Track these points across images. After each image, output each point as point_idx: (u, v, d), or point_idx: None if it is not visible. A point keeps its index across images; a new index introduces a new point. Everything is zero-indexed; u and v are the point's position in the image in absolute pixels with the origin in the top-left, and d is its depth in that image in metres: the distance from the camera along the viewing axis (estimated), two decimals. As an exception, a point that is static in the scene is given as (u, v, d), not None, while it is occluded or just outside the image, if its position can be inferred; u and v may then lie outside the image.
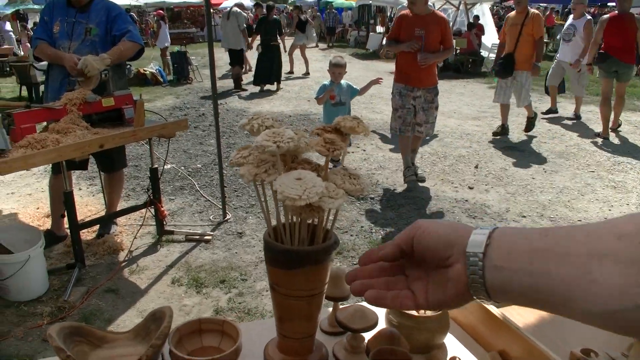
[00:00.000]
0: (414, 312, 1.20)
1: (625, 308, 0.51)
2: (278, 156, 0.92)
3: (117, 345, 1.15)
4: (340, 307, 1.27)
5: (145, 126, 3.73)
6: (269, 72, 11.48)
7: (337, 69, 5.46)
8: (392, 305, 0.68)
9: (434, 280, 0.65)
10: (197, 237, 4.35)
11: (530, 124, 7.81)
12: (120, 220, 4.58)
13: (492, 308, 1.23)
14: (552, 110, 9.10)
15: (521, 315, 1.41)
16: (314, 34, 17.34)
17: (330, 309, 1.32)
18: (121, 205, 4.66)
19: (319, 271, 0.99)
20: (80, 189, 5.49)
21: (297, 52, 14.34)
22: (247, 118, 0.99)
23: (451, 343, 1.26)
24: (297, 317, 1.04)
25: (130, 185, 5.59)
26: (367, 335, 1.19)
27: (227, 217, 4.74)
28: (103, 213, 4.61)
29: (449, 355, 1.19)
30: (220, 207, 4.79)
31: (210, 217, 4.80)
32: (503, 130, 7.68)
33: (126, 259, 4.05)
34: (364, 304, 1.19)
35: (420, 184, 5.63)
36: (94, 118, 3.70)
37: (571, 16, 8.52)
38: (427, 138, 6.84)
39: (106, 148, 3.49)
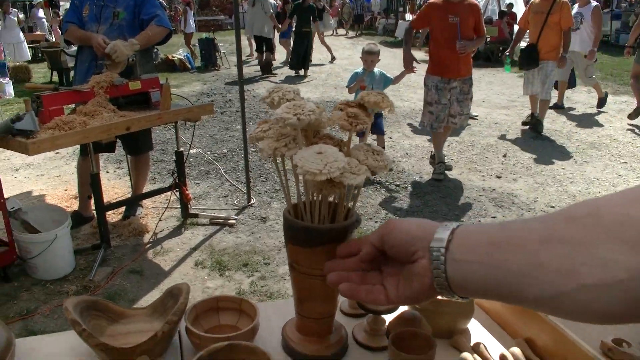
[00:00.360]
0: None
1: (572, 289, 0.51)
2: (299, 130, 0.89)
3: (134, 321, 1.14)
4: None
5: (171, 109, 3.74)
6: (303, 57, 11.52)
7: (369, 56, 5.22)
8: (365, 299, 0.72)
9: (404, 276, 0.68)
10: (222, 220, 4.36)
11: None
12: (146, 202, 4.61)
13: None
14: (559, 105, 8.60)
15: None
16: (331, 21, 17.20)
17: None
18: (147, 188, 4.69)
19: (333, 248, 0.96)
20: (107, 172, 5.55)
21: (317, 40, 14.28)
22: (267, 91, 0.96)
23: (475, 329, 1.23)
24: (316, 297, 1.02)
25: (157, 169, 5.63)
26: (388, 318, 1.16)
27: (252, 201, 4.74)
28: (129, 195, 4.66)
29: (473, 341, 1.15)
30: (245, 191, 4.79)
31: (235, 202, 4.80)
32: (533, 119, 7.41)
33: (151, 240, 4.08)
34: None
35: (447, 172, 5.55)
36: (120, 101, 3.73)
37: (576, 4, 7.97)
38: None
39: (132, 131, 3.51)
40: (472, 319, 1.19)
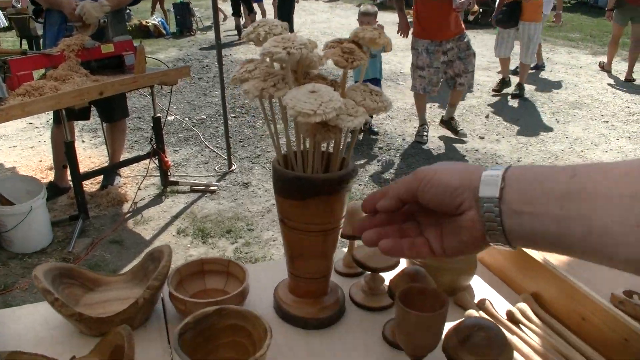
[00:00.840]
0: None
1: None
2: (288, 67, 0.80)
3: (113, 288, 1.05)
4: (357, 245, 1.16)
5: (146, 73, 3.59)
6: (287, 20, 11.25)
7: (366, 17, 4.89)
8: (408, 255, 0.63)
9: (447, 229, 0.60)
10: (203, 187, 4.26)
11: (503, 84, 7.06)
12: (124, 171, 4.48)
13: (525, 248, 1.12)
14: (539, 66, 8.24)
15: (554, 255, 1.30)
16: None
17: (345, 249, 1.21)
18: (125, 156, 4.55)
19: (334, 203, 0.88)
20: (83, 142, 5.38)
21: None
22: (252, 26, 0.85)
23: (478, 285, 1.16)
24: (310, 254, 0.94)
25: (134, 137, 5.47)
26: (387, 276, 1.08)
27: (233, 167, 4.63)
28: (107, 165, 4.51)
29: (477, 298, 1.08)
30: (226, 157, 4.68)
31: (216, 168, 4.69)
32: (504, 84, 7.04)
33: (130, 210, 3.96)
34: None
35: (430, 134, 5.47)
36: (93, 65, 3.56)
37: None
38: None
39: (106, 95, 3.36)
40: (475, 276, 1.12)
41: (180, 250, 3.44)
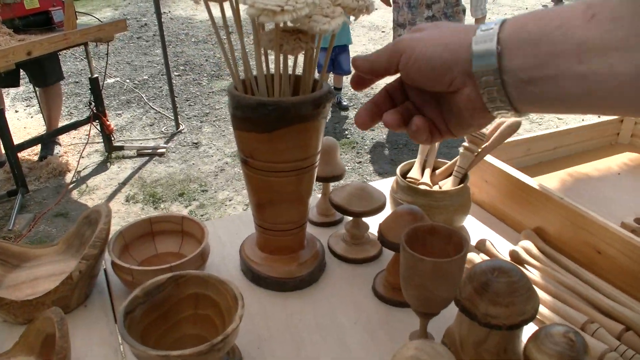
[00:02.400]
0: (427, 188, 0.94)
1: None
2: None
3: (43, 262, 0.86)
4: (332, 188, 1.00)
5: (78, 29, 3.29)
6: None
7: None
8: (416, 134, 0.54)
9: (445, 107, 0.53)
10: (150, 150, 4.01)
11: None
12: (65, 139, 4.18)
13: (521, 176, 0.98)
14: None
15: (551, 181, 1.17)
16: None
17: (319, 196, 1.05)
18: (63, 124, 4.24)
19: (309, 133, 0.71)
20: (16, 112, 5.01)
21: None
22: None
23: (473, 226, 1.02)
24: (281, 200, 0.77)
25: (72, 103, 5.14)
26: (372, 221, 0.93)
27: (181, 127, 4.38)
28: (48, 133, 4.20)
29: (474, 240, 0.94)
30: (172, 118, 4.42)
31: (163, 129, 4.43)
32: None
33: (74, 180, 3.70)
34: (370, 184, 0.92)
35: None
36: (17, 23, 3.26)
37: None
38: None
39: (35, 56, 3.06)
40: (469, 216, 0.97)
41: (131, 218, 3.23)
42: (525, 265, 0.89)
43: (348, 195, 0.86)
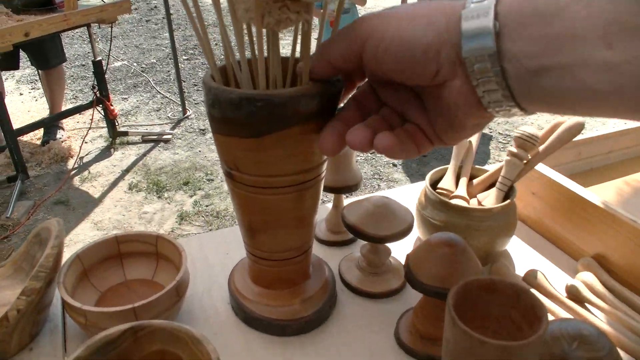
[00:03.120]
0: (469, 205, 0.76)
1: None
2: None
3: (-16, 289, 0.69)
4: (347, 201, 0.82)
5: (79, 9, 3.13)
6: None
7: None
8: (404, 150, 0.42)
9: (431, 106, 0.42)
10: (155, 137, 3.84)
11: None
12: (68, 124, 4.04)
13: (577, 189, 0.79)
14: None
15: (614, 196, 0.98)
16: None
17: (329, 205, 0.86)
18: (67, 108, 4.09)
19: (311, 137, 0.52)
20: (21, 94, 4.87)
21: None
22: None
23: (518, 250, 0.83)
24: (278, 222, 0.58)
25: (78, 87, 4.98)
26: (395, 246, 0.75)
27: (188, 113, 4.21)
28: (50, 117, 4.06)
29: (520, 268, 0.76)
30: (179, 103, 4.25)
31: (169, 115, 4.27)
32: None
33: (76, 166, 3.56)
34: (387, 193, 0.73)
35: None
36: (15, 3, 3.11)
37: None
38: None
39: (34, 37, 2.91)
40: (513, 237, 0.79)
41: (133, 208, 3.09)
42: (587, 304, 0.71)
43: (365, 214, 0.67)
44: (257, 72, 0.50)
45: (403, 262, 0.77)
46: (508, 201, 0.74)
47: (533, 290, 0.71)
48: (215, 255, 0.79)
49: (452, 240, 0.56)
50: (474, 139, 0.85)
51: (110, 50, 4.03)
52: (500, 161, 0.79)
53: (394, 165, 3.48)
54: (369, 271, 0.73)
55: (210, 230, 2.86)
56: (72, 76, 5.18)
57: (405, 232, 0.67)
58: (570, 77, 0.33)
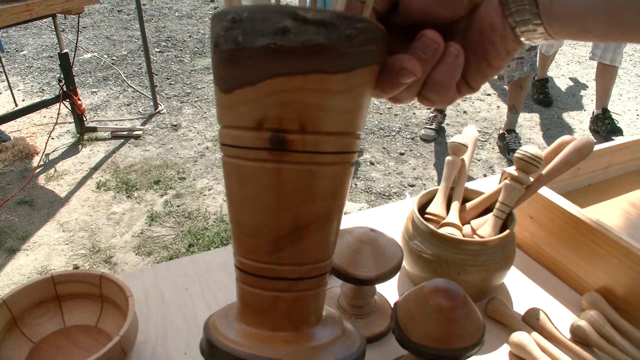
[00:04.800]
0: (462, 233, 0.67)
1: None
2: None
3: None
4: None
5: (43, -1, 2.99)
6: None
7: None
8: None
9: (460, 44, 0.38)
10: (125, 132, 3.70)
11: None
12: (34, 119, 3.88)
13: (580, 214, 0.71)
14: None
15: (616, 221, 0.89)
16: None
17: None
18: (33, 102, 3.94)
19: (362, 87, 0.38)
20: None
21: None
22: None
23: (515, 283, 0.75)
24: (331, 214, 0.40)
25: (45, 79, 4.80)
26: (383, 288, 0.66)
27: (159, 108, 4.07)
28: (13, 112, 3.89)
29: (518, 306, 0.67)
30: (151, 97, 4.11)
31: (140, 110, 4.12)
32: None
33: (41, 163, 3.41)
34: (370, 214, 0.63)
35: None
36: (-27, -9, 2.94)
37: None
38: None
39: (-5, 27, 2.77)
40: (511, 268, 0.70)
41: (101, 208, 2.96)
42: (594, 349, 0.63)
43: (347, 251, 0.58)
44: None
45: (389, 299, 0.68)
46: (507, 232, 0.65)
47: (535, 334, 0.62)
48: (172, 292, 0.69)
49: (451, 292, 0.47)
50: (467, 156, 0.76)
51: (77, 41, 3.88)
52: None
53: (372, 163, 3.40)
54: (351, 312, 0.63)
55: (182, 232, 2.76)
56: (39, 68, 4.99)
57: (394, 271, 0.58)
58: None
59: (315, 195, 0.39)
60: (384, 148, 3.61)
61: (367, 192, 3.19)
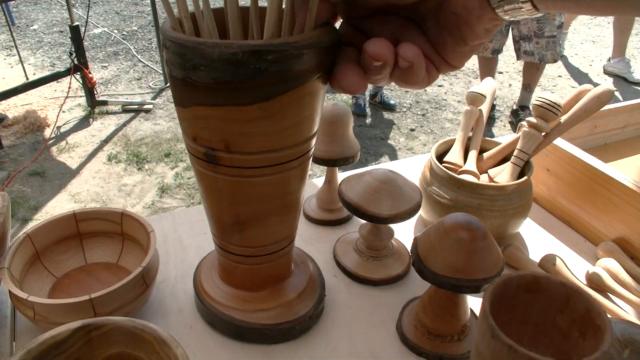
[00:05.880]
0: (478, 181, 0.67)
1: None
2: None
3: None
4: (341, 174, 0.73)
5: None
6: None
7: None
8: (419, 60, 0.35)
9: (431, 25, 0.37)
10: (136, 106, 3.71)
11: None
12: (45, 92, 3.88)
13: (599, 165, 0.71)
14: None
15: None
16: None
17: (316, 180, 0.77)
18: (44, 75, 3.94)
19: (317, 95, 0.42)
20: (-5, 60, 4.69)
21: None
22: None
23: (531, 233, 0.75)
24: (270, 210, 0.48)
25: (55, 54, 4.80)
26: (397, 227, 0.66)
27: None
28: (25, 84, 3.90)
29: (534, 253, 0.68)
30: (161, 72, 4.11)
31: (150, 84, 4.12)
32: None
33: (52, 136, 3.42)
34: (386, 166, 0.63)
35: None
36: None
37: None
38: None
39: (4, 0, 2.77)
40: (527, 219, 0.70)
41: (112, 180, 2.97)
42: (609, 294, 0.63)
43: (367, 189, 0.58)
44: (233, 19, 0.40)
45: (406, 245, 0.68)
46: (525, 178, 0.65)
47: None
48: (190, 236, 0.70)
49: (472, 224, 0.47)
50: (485, 107, 0.75)
51: (88, 15, 3.87)
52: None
53: (382, 139, 3.39)
54: (368, 255, 0.64)
55: (192, 203, 2.77)
56: (49, 42, 4.99)
57: (412, 211, 0.58)
58: None
59: (248, 199, 0.47)
60: (394, 124, 3.59)
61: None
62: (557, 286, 0.35)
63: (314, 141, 0.47)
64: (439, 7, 0.35)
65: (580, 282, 0.63)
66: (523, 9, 0.33)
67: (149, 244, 0.55)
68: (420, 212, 0.72)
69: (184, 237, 0.70)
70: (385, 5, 0.37)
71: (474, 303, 0.59)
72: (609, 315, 0.57)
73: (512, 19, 0.34)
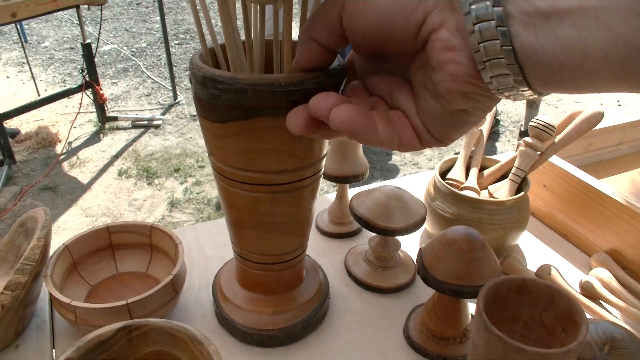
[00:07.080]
0: (479, 196, 0.72)
1: None
2: None
3: (-35, 281, 0.65)
4: (351, 190, 0.78)
5: (68, -10, 3.06)
6: None
7: None
8: (383, 138, 0.34)
9: (417, 81, 0.34)
10: (146, 122, 3.78)
11: None
12: (56, 108, 3.96)
13: (591, 181, 0.76)
14: None
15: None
16: None
17: (332, 196, 0.83)
18: (56, 91, 4.01)
19: (279, 131, 0.47)
20: (8, 77, 4.78)
21: None
22: None
23: (529, 245, 0.80)
24: (268, 226, 0.53)
25: (67, 70, 4.89)
26: (403, 240, 0.71)
27: (179, 98, 4.15)
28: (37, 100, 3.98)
29: (531, 263, 0.73)
30: (170, 88, 4.18)
31: (160, 100, 4.20)
32: None
33: (64, 151, 3.49)
34: (394, 182, 0.68)
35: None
36: (2, -18, 3.00)
37: None
38: None
39: (21, 18, 2.84)
40: (525, 232, 0.75)
41: (122, 195, 3.03)
42: (601, 301, 0.68)
43: (376, 205, 0.64)
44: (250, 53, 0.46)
45: (411, 256, 0.73)
46: (522, 193, 0.70)
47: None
48: (212, 248, 0.75)
49: (471, 236, 0.52)
50: (485, 128, 0.81)
51: (99, 32, 3.95)
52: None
53: (387, 154, 3.45)
54: (377, 265, 0.69)
55: (202, 218, 2.82)
56: (60, 59, 5.09)
57: (418, 224, 0.63)
58: (594, 24, 0.25)
59: (245, 207, 0.52)
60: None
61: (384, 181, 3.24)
62: (542, 288, 0.41)
63: (324, 162, 0.52)
64: (420, 64, 0.33)
65: (574, 290, 0.68)
66: (515, 89, 0.30)
67: (177, 255, 0.61)
68: (425, 225, 0.77)
69: (206, 248, 0.75)
70: (375, 53, 0.36)
71: (474, 309, 0.64)
72: (590, 317, 0.61)
73: (507, 97, 0.31)
